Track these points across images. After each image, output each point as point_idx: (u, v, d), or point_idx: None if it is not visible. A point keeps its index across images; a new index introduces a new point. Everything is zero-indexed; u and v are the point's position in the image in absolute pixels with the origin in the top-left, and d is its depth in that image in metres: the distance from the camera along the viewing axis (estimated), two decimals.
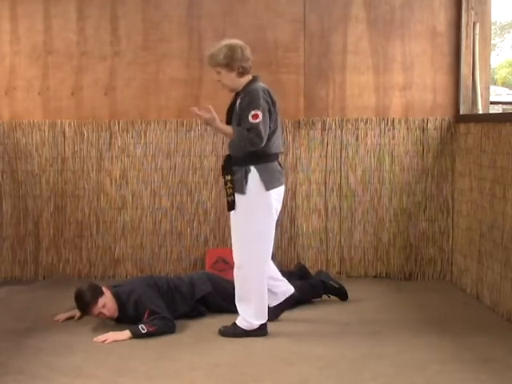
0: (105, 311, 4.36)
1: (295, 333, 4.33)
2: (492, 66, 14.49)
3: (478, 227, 5.08)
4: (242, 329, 4.25)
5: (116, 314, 4.42)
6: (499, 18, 25.66)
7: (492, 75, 18.43)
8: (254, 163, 4.14)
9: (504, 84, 22.13)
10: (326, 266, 5.73)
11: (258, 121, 4.05)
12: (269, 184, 4.16)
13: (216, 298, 4.72)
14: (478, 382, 3.53)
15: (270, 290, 4.36)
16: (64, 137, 5.75)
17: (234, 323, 4.30)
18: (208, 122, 4.18)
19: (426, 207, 5.75)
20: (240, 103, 4.16)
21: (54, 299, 5.12)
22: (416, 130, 5.73)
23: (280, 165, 4.30)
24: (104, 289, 4.42)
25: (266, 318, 4.27)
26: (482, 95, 5.67)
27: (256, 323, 4.24)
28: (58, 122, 5.74)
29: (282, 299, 4.53)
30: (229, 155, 4.27)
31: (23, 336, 4.28)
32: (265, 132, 4.08)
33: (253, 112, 4.07)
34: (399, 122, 5.74)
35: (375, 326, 4.47)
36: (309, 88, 5.72)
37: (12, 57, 5.71)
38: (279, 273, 4.56)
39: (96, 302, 4.32)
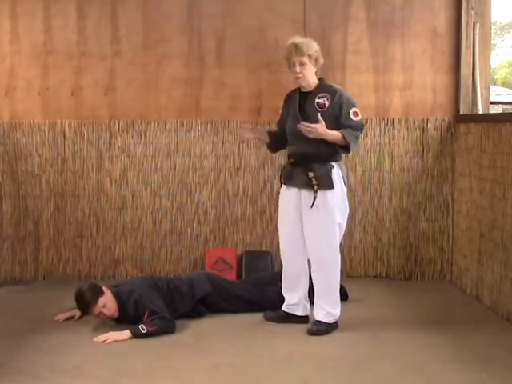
0: (105, 311, 4.36)
1: (295, 333, 4.33)
2: (492, 66, 14.48)
3: (477, 227, 5.08)
4: (329, 324, 4.32)
5: (116, 314, 4.42)
6: (499, 18, 25.66)
7: (492, 75, 18.42)
8: (334, 160, 4.27)
9: (504, 84, 22.12)
10: None
11: (360, 117, 4.24)
12: (346, 180, 4.35)
13: (216, 298, 4.72)
14: (479, 382, 3.53)
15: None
16: (64, 137, 5.74)
17: (319, 322, 4.33)
18: (318, 135, 4.16)
19: (425, 207, 5.75)
20: (330, 103, 4.23)
21: (54, 299, 5.12)
22: (416, 130, 5.73)
23: None
24: (104, 288, 4.42)
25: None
26: (482, 95, 5.67)
27: (337, 312, 4.37)
28: (58, 122, 5.74)
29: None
30: (303, 153, 4.27)
31: (23, 336, 4.28)
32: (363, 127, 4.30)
33: (353, 110, 4.23)
34: (399, 121, 5.74)
35: (375, 326, 4.47)
36: None
37: (12, 57, 5.71)
38: None
39: (96, 301, 4.32)
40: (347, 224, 4.50)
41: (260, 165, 5.76)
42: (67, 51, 5.70)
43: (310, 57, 4.25)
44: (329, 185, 4.23)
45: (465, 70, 5.65)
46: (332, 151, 4.25)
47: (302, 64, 4.24)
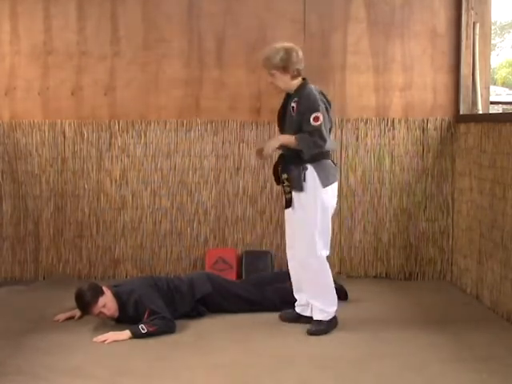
0: (105, 311, 4.36)
1: (295, 333, 4.33)
2: (492, 66, 14.48)
3: (477, 227, 5.08)
4: (327, 321, 4.32)
5: (116, 314, 4.42)
6: (499, 18, 25.67)
7: (492, 75, 18.42)
8: (310, 161, 4.22)
9: (504, 84, 22.13)
10: None
11: (319, 123, 4.15)
12: (325, 181, 4.25)
13: (216, 297, 4.72)
14: (479, 382, 3.53)
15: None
16: (64, 137, 5.74)
17: (315, 320, 4.35)
18: (272, 148, 4.28)
19: (425, 207, 5.75)
20: (297, 107, 4.22)
21: (54, 299, 5.12)
22: (416, 130, 5.73)
23: (333, 161, 4.39)
24: (104, 288, 4.42)
25: (336, 305, 4.39)
26: (482, 95, 5.67)
27: (332, 310, 4.35)
28: (58, 122, 5.73)
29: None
30: (282, 154, 4.37)
31: (23, 336, 4.28)
32: (326, 133, 4.20)
33: (314, 115, 4.16)
34: (399, 122, 5.74)
35: (375, 325, 4.47)
36: None
37: (12, 57, 5.71)
38: None
39: (96, 301, 4.32)
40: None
41: (260, 165, 5.76)
42: (67, 51, 5.70)
43: (275, 68, 4.25)
44: (298, 187, 4.23)
45: (465, 70, 5.65)
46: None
47: (271, 75, 4.30)
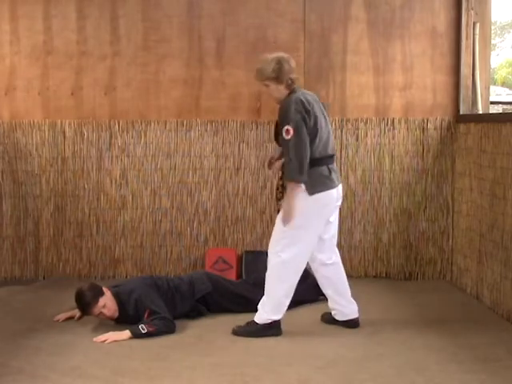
0: (105, 311, 4.36)
1: (295, 333, 4.33)
2: (492, 66, 14.49)
3: (478, 227, 5.08)
4: (256, 323, 4.27)
5: (116, 314, 4.42)
6: (499, 18, 25.64)
7: (492, 75, 18.42)
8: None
9: (504, 84, 22.12)
10: None
11: (289, 137, 4.06)
12: (311, 188, 4.14)
13: (216, 297, 4.72)
14: (478, 382, 3.53)
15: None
16: (64, 137, 5.75)
17: (250, 322, 4.32)
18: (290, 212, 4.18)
19: (426, 207, 5.75)
20: (278, 119, 4.20)
21: (54, 299, 5.12)
22: (416, 130, 5.74)
23: (329, 169, 4.24)
24: (104, 289, 4.42)
25: (281, 316, 4.29)
26: (482, 95, 5.67)
27: (265, 314, 4.27)
28: (58, 122, 5.74)
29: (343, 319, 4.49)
30: (283, 164, 4.31)
31: (23, 336, 4.28)
32: (300, 145, 4.06)
33: (285, 127, 4.09)
34: (399, 121, 5.74)
35: (375, 326, 4.47)
36: (309, 88, 5.63)
37: (12, 57, 5.71)
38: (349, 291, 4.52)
39: (96, 302, 4.32)
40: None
41: (260, 165, 5.76)
42: (67, 51, 5.70)
43: (268, 79, 4.20)
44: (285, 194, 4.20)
45: (465, 70, 5.65)
46: None
47: (265, 86, 4.26)
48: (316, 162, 4.18)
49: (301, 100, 4.14)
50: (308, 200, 4.15)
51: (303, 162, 4.06)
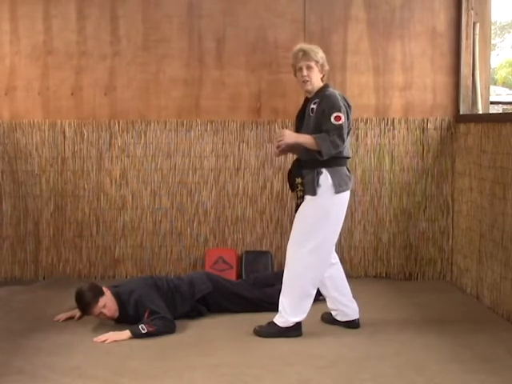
0: (105, 311, 4.36)
1: None
2: (492, 66, 14.49)
3: (478, 227, 5.08)
4: (280, 327, 4.24)
5: (116, 314, 4.42)
6: (499, 18, 25.65)
7: (492, 75, 18.43)
8: (326, 166, 4.15)
9: (504, 84, 22.12)
10: None
11: (340, 122, 4.10)
12: (339, 187, 4.16)
13: (216, 297, 4.72)
14: (478, 382, 3.53)
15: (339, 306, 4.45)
16: (64, 137, 5.75)
17: (271, 323, 4.29)
18: (289, 143, 4.18)
19: (426, 207, 5.75)
20: (317, 107, 4.18)
21: (54, 299, 5.12)
22: (416, 129, 5.74)
23: (348, 170, 4.28)
24: (104, 289, 4.42)
25: (303, 317, 4.27)
26: (482, 95, 5.67)
27: (290, 318, 4.23)
28: (58, 122, 5.74)
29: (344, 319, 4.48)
30: (297, 159, 4.31)
31: (23, 336, 4.28)
32: (345, 131, 4.13)
33: (335, 114, 4.11)
34: (399, 121, 5.74)
35: (375, 326, 4.47)
36: None
37: (12, 57, 5.71)
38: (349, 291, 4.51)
39: (96, 302, 4.32)
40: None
41: (260, 165, 5.76)
42: (67, 51, 5.70)
43: (316, 62, 4.23)
44: (311, 191, 4.16)
45: (465, 70, 5.65)
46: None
47: (308, 68, 4.23)
48: (342, 161, 4.24)
49: (343, 97, 4.28)
50: (333, 199, 4.17)
51: (340, 146, 4.10)
